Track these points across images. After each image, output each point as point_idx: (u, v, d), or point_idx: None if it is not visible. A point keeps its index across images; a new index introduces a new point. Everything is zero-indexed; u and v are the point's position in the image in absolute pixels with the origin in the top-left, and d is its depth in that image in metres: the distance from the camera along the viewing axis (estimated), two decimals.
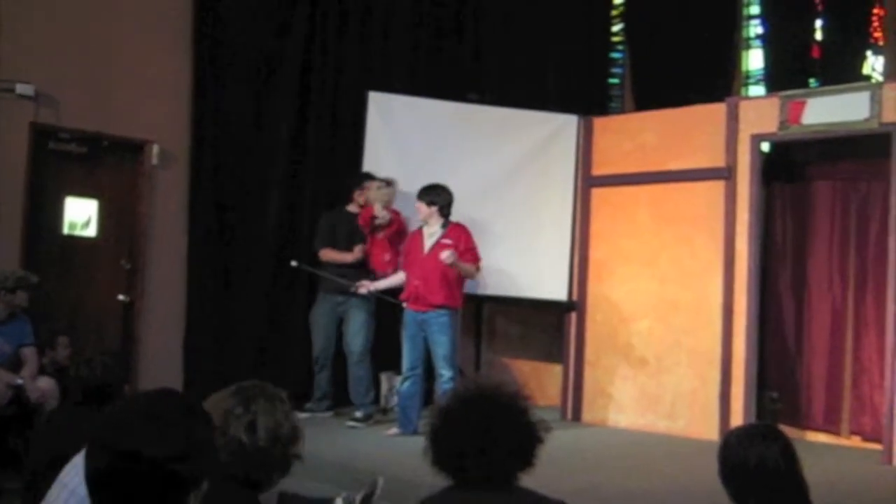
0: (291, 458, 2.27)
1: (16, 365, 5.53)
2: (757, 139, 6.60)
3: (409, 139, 7.38)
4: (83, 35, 6.62)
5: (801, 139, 6.54)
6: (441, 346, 6.25)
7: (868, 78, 8.79)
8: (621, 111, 9.38)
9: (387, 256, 6.79)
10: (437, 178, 6.49)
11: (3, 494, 4.65)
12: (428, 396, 6.59)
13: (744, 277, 6.56)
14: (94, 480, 1.60)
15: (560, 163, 7.48)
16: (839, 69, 8.37)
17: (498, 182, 7.41)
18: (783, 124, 6.46)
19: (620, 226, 7.27)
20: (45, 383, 5.49)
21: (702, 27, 9.00)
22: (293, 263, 6.92)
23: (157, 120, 6.99)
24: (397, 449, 5.97)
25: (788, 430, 4.57)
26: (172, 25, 7.07)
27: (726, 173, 6.66)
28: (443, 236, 6.36)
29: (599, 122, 7.59)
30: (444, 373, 6.25)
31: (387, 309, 6.87)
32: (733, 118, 6.67)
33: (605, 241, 7.36)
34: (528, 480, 2.22)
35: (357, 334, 6.84)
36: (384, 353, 7.24)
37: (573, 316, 7.46)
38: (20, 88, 6.26)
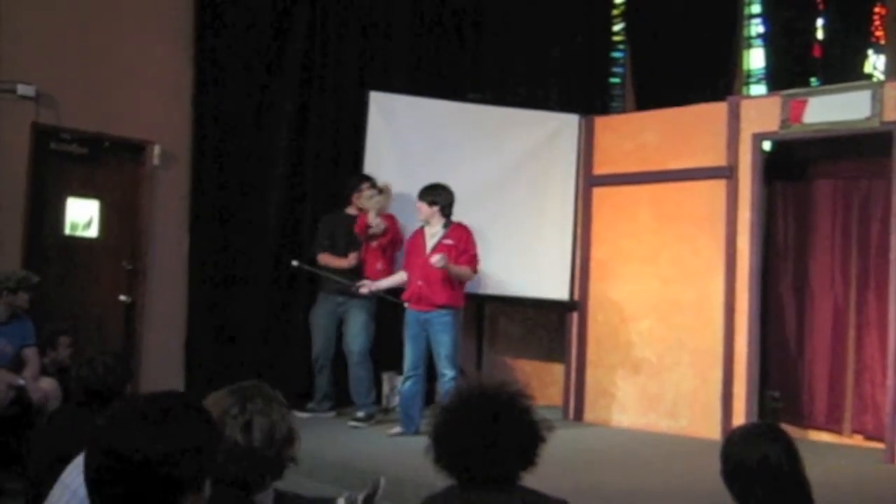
0: (287, 461, 2.26)
1: (17, 366, 5.52)
2: (758, 138, 6.60)
3: (410, 139, 7.38)
4: (84, 36, 6.62)
5: (802, 138, 6.54)
6: (443, 346, 6.25)
7: (869, 77, 8.79)
8: (622, 110, 9.39)
9: (379, 265, 6.78)
10: (438, 178, 6.48)
11: (5, 495, 4.65)
12: (429, 396, 6.59)
13: (745, 276, 6.56)
14: (92, 481, 1.61)
15: (561, 162, 7.48)
16: (840, 68, 8.38)
17: (499, 182, 7.40)
18: (784, 123, 6.45)
19: (622, 225, 7.27)
20: (47, 384, 5.49)
21: (703, 26, 9.00)
22: (294, 263, 6.93)
23: (158, 120, 6.99)
24: (399, 449, 5.97)
25: (790, 430, 4.57)
26: (173, 26, 7.07)
27: (728, 172, 6.66)
28: (444, 236, 6.35)
29: (600, 122, 7.59)
30: (447, 373, 6.24)
31: (388, 309, 6.87)
32: (735, 117, 6.67)
33: (606, 241, 7.36)
34: (530, 479, 2.22)
35: (357, 335, 6.84)
36: (385, 354, 7.24)
37: (575, 315, 7.45)
38: (21, 89, 6.27)
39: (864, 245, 6.56)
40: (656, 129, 7.15)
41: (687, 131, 6.96)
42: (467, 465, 2.16)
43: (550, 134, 7.51)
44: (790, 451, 2.50)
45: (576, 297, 7.43)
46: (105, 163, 6.88)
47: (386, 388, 7.45)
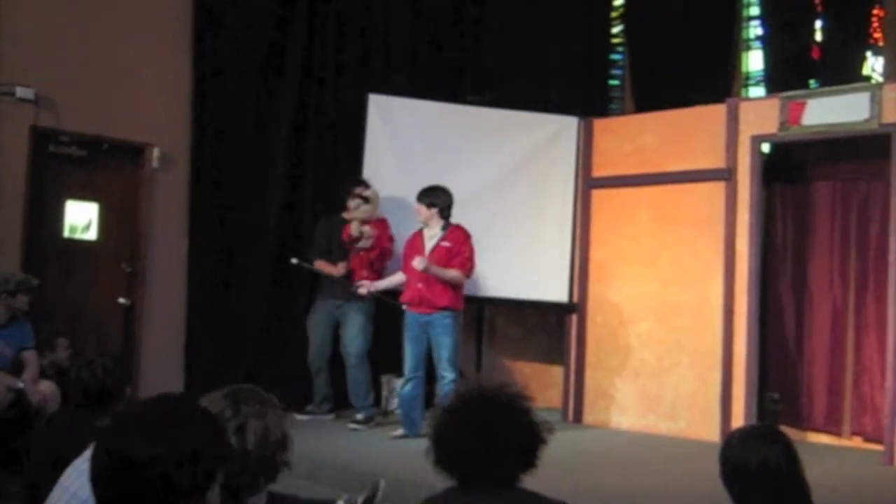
0: (280, 465, 2.25)
1: (16, 368, 5.52)
2: (757, 140, 6.60)
3: (409, 141, 7.39)
4: (83, 38, 6.62)
5: (801, 140, 6.54)
6: (444, 348, 6.25)
7: (868, 79, 8.78)
8: (621, 113, 9.37)
9: (364, 273, 6.79)
10: (437, 180, 6.49)
11: (4, 497, 4.65)
12: (429, 399, 6.59)
13: (744, 278, 6.56)
14: (95, 481, 1.60)
15: (560, 164, 7.48)
16: (839, 70, 8.36)
17: (498, 184, 7.41)
18: (783, 125, 6.46)
19: (621, 227, 7.27)
20: (46, 386, 5.49)
21: (702, 28, 8.99)
22: (293, 260, 6.93)
23: (158, 123, 6.99)
24: (399, 451, 5.97)
25: (789, 431, 4.58)
26: (172, 28, 7.07)
27: (726, 174, 6.66)
28: (442, 238, 6.35)
29: (599, 124, 7.59)
30: (447, 375, 6.24)
31: (386, 312, 6.87)
32: (733, 119, 6.68)
33: (605, 243, 7.36)
34: (530, 481, 2.22)
35: (355, 338, 6.84)
36: (384, 356, 7.24)
37: (574, 317, 7.46)
38: (20, 92, 6.27)
39: (863, 247, 6.56)
40: (655, 132, 7.16)
41: (686, 133, 6.97)
42: (467, 466, 2.16)
43: (549, 136, 7.52)
44: (789, 453, 2.50)
45: (575, 299, 7.43)
46: (104, 165, 6.88)
47: (385, 391, 7.46)
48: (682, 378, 6.85)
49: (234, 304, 7.29)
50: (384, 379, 7.44)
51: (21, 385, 5.36)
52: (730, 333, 6.58)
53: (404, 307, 6.40)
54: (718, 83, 8.71)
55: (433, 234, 6.39)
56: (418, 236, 6.47)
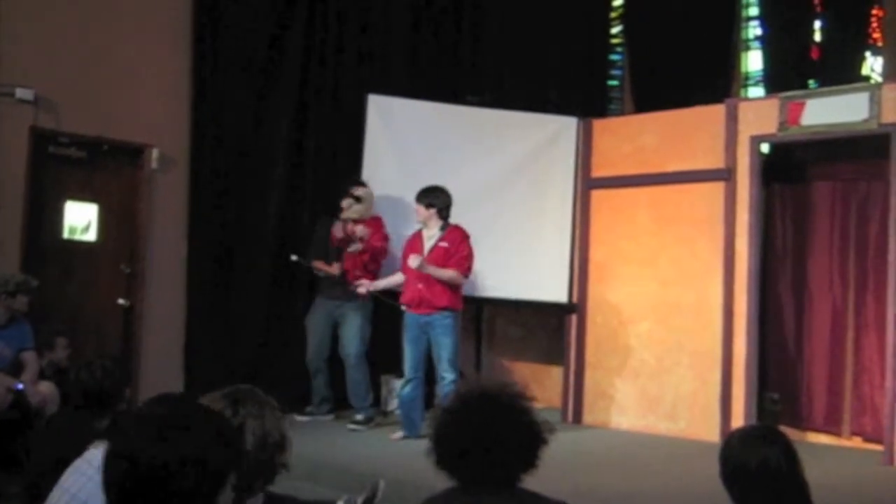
0: (278, 467, 2.25)
1: (16, 369, 5.52)
2: (756, 140, 6.60)
3: (408, 141, 7.39)
4: (82, 39, 6.62)
5: (800, 140, 6.55)
6: (445, 349, 6.25)
7: (867, 79, 8.78)
8: (621, 113, 9.38)
9: (358, 272, 6.80)
10: (436, 181, 6.49)
11: (4, 499, 4.65)
12: (429, 399, 6.59)
13: (744, 278, 6.56)
14: (109, 488, 1.61)
15: (560, 165, 7.49)
16: (838, 70, 8.37)
17: (498, 184, 7.41)
18: (782, 125, 6.46)
19: (620, 227, 7.28)
20: (46, 387, 5.50)
21: (701, 29, 9.00)
22: (293, 257, 6.94)
23: (157, 124, 6.99)
24: (399, 451, 5.98)
25: (789, 432, 4.58)
26: (171, 28, 7.07)
27: (726, 175, 6.66)
28: (440, 239, 6.35)
29: (599, 124, 7.59)
30: (447, 376, 6.24)
31: (386, 312, 6.87)
32: (733, 119, 6.68)
33: (605, 243, 7.36)
34: (529, 481, 2.22)
35: (353, 338, 6.84)
36: (383, 357, 7.24)
37: (573, 318, 7.46)
38: (20, 93, 6.27)
39: (863, 247, 6.57)
40: (655, 132, 7.16)
41: (685, 134, 6.97)
42: (468, 466, 2.16)
43: (549, 136, 7.52)
44: (789, 454, 2.50)
45: (574, 299, 7.43)
46: (103, 166, 6.88)
47: (384, 392, 7.46)
48: (681, 378, 6.85)
49: (234, 304, 7.29)
50: (384, 379, 7.44)
51: (21, 386, 5.36)
52: (729, 333, 6.58)
53: (403, 308, 6.39)
54: (718, 83, 8.71)
55: (432, 235, 6.39)
56: (417, 237, 6.47)
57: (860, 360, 6.55)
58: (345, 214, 6.83)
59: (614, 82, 9.86)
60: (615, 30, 9.89)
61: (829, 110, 6.29)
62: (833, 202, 6.73)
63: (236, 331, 7.25)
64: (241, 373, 6.73)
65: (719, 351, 6.61)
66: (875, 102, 6.08)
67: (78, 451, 2.84)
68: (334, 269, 6.92)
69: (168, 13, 7.07)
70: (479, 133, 7.46)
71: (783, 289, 6.89)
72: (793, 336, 6.85)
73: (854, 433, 6.55)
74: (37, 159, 6.44)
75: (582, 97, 8.83)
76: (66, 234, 6.72)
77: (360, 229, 6.77)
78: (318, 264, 7.00)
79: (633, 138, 7.26)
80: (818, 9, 8.93)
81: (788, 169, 7.03)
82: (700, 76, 8.77)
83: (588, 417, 7.33)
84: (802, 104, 6.40)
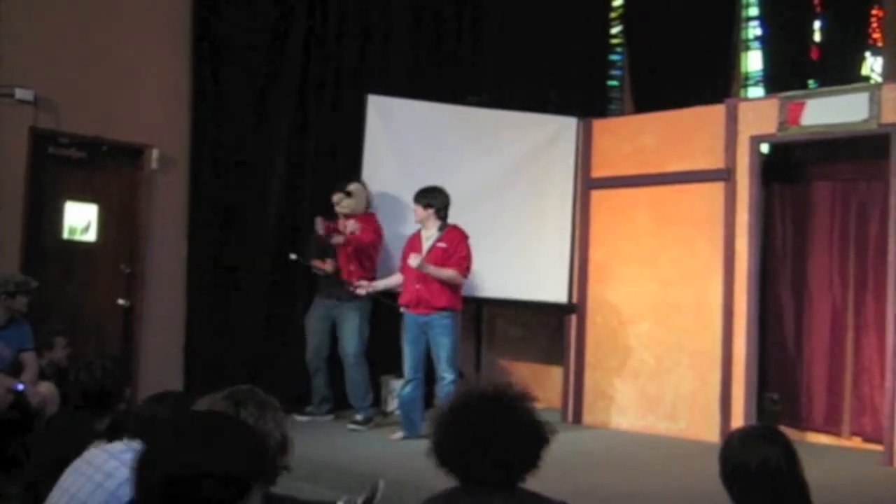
0: (280, 468, 2.25)
1: (16, 370, 5.52)
2: (756, 140, 6.60)
3: (408, 142, 7.39)
4: (82, 40, 6.62)
5: (800, 140, 6.55)
6: (443, 349, 6.25)
7: (867, 79, 8.79)
8: (620, 113, 9.38)
9: (352, 267, 6.81)
10: (436, 181, 6.49)
11: (4, 499, 4.65)
12: (429, 400, 6.59)
13: (744, 279, 6.56)
14: (139, 491, 1.65)
15: (559, 165, 7.49)
16: (838, 70, 8.37)
17: (497, 184, 7.41)
18: (782, 125, 6.46)
19: (620, 228, 7.28)
20: (46, 388, 5.49)
21: (701, 29, 9.00)
22: (292, 256, 6.95)
23: (157, 124, 6.99)
24: (398, 452, 5.98)
25: (789, 432, 4.58)
26: (171, 29, 7.07)
27: (726, 175, 6.66)
28: (438, 239, 6.34)
29: (599, 125, 7.59)
30: (446, 376, 6.24)
31: (385, 312, 6.87)
32: (732, 120, 6.68)
33: (604, 243, 7.36)
34: (529, 481, 2.22)
35: (351, 338, 6.85)
36: (384, 357, 7.24)
37: (573, 318, 7.46)
38: (19, 93, 6.26)
39: (862, 247, 6.57)
40: (654, 132, 7.16)
41: (685, 134, 6.97)
42: (470, 467, 2.16)
43: (549, 137, 7.52)
44: (789, 454, 2.50)
45: (574, 299, 7.43)
46: (103, 167, 6.88)
47: (384, 392, 7.46)
48: (681, 378, 6.85)
49: (234, 305, 7.28)
50: (383, 380, 7.44)
51: (21, 387, 5.36)
52: (729, 334, 6.58)
53: (402, 310, 6.39)
54: (718, 83, 8.72)
55: (430, 235, 6.38)
56: (416, 237, 6.47)
57: (860, 360, 6.55)
58: (337, 210, 6.85)
59: (614, 82, 9.87)
60: (615, 30, 9.90)
61: (829, 110, 6.29)
62: (833, 202, 6.73)
63: (236, 331, 7.25)
64: (240, 373, 6.73)
65: (719, 351, 6.61)
66: (875, 102, 6.09)
67: (78, 451, 2.85)
68: (328, 265, 6.93)
69: (168, 13, 7.07)
70: (479, 133, 7.46)
71: (783, 289, 6.89)
72: (792, 336, 6.86)
73: (854, 433, 6.55)
74: (36, 160, 6.44)
75: (582, 97, 8.83)
76: (65, 235, 6.72)
77: (350, 224, 6.78)
78: (316, 262, 7.01)
79: (633, 138, 7.26)
80: (818, 9, 8.94)
81: (788, 169, 7.03)
82: (700, 76, 8.77)
83: (588, 418, 7.33)
84: (802, 104, 6.41)
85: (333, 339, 7.00)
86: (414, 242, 6.45)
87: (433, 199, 6.37)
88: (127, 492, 2.62)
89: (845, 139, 6.37)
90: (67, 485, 2.73)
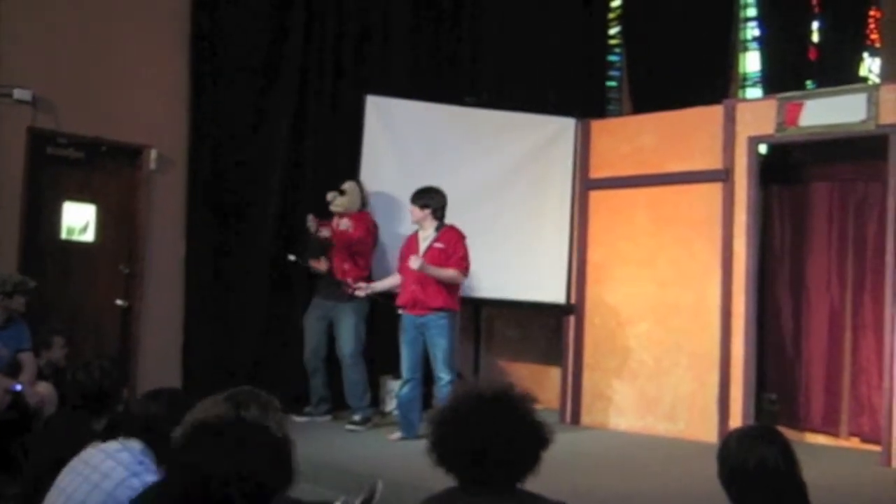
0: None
1: (14, 370, 5.52)
2: (754, 141, 6.61)
3: (407, 142, 7.39)
4: (81, 40, 6.62)
5: (798, 141, 6.55)
6: (440, 350, 6.25)
7: (865, 80, 8.80)
8: (619, 114, 9.40)
9: (346, 266, 6.81)
10: (435, 181, 6.49)
11: (2, 500, 4.64)
12: (427, 400, 6.59)
13: (742, 279, 6.57)
14: (171, 496, 1.67)
15: (558, 166, 7.49)
16: (836, 71, 8.39)
17: (496, 185, 7.41)
18: (780, 126, 6.47)
19: (618, 228, 7.28)
20: (44, 388, 5.49)
21: (699, 29, 9.02)
22: (291, 258, 6.95)
23: (155, 124, 6.98)
24: (397, 452, 5.98)
25: (787, 432, 4.56)
26: (170, 29, 7.07)
27: (724, 175, 6.66)
28: (435, 240, 6.34)
29: (597, 125, 7.60)
30: (443, 376, 6.24)
31: (384, 313, 6.87)
32: (731, 120, 6.68)
33: (603, 244, 7.36)
34: (528, 482, 2.22)
35: (348, 338, 6.84)
36: (382, 358, 7.24)
37: (572, 319, 7.46)
38: (18, 93, 6.26)
39: (861, 247, 6.57)
40: (653, 133, 7.16)
41: (683, 134, 6.97)
42: (469, 468, 2.15)
43: (547, 137, 7.52)
44: (787, 454, 2.51)
45: (573, 300, 7.43)
46: (102, 167, 6.87)
47: (382, 393, 7.46)
48: (680, 379, 6.85)
49: (232, 305, 7.28)
50: (381, 380, 7.44)
51: (19, 387, 5.36)
52: (727, 334, 6.58)
53: (400, 311, 6.39)
54: (716, 84, 8.74)
55: (427, 236, 6.38)
56: (413, 238, 6.47)
57: (858, 360, 6.56)
58: (330, 208, 6.85)
59: (613, 83, 9.88)
60: (613, 31, 9.92)
61: (827, 111, 6.30)
62: (831, 203, 6.74)
63: (235, 331, 7.24)
64: (239, 373, 6.74)
65: (717, 352, 6.61)
66: (873, 103, 6.09)
67: (75, 451, 2.85)
68: (322, 265, 6.94)
69: (167, 14, 7.06)
70: (478, 134, 7.46)
71: (781, 289, 6.90)
72: (791, 337, 6.86)
73: (852, 434, 6.56)
74: (35, 160, 6.43)
75: (580, 98, 8.85)
76: (64, 235, 6.71)
77: (343, 222, 6.79)
78: (312, 262, 7.03)
79: (632, 139, 7.27)
80: (816, 10, 8.95)
81: (786, 170, 7.04)
82: (698, 77, 8.78)
83: (586, 418, 7.33)
84: (800, 105, 6.41)
85: (331, 339, 7.00)
86: (411, 243, 6.45)
87: (430, 199, 6.37)
88: (124, 492, 2.62)
89: (843, 140, 6.37)
90: (64, 485, 2.73)
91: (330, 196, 6.87)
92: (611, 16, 9.92)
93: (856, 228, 6.61)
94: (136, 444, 2.80)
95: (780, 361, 6.87)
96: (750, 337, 6.52)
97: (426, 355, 6.34)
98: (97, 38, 6.69)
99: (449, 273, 6.25)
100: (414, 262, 6.14)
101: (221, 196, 7.24)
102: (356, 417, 6.79)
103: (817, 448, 6.36)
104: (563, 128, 7.53)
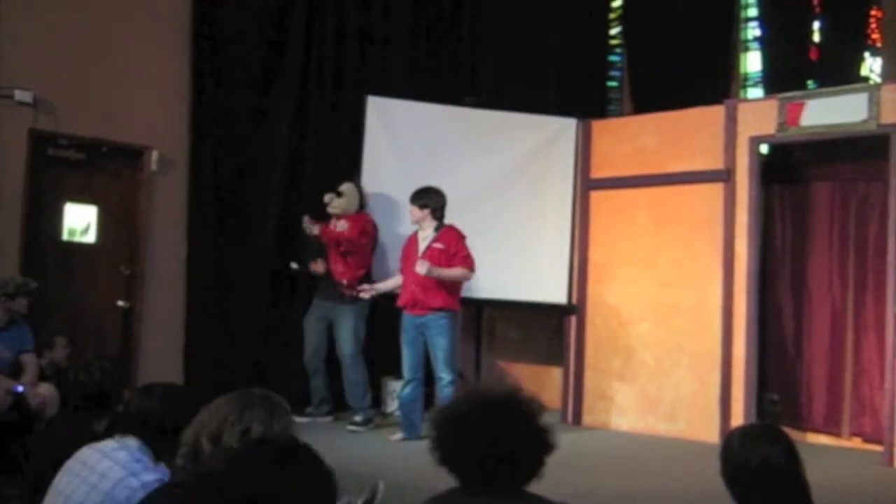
0: None
1: (15, 371, 5.52)
2: (755, 141, 6.60)
3: (408, 143, 7.38)
4: (81, 41, 6.62)
5: (799, 141, 6.55)
6: (440, 350, 6.24)
7: (866, 79, 8.80)
8: (620, 114, 9.39)
9: (340, 267, 6.82)
10: (436, 182, 6.49)
11: (3, 501, 4.64)
12: (429, 401, 6.59)
13: (743, 279, 6.56)
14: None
15: (559, 166, 7.49)
16: (837, 71, 8.39)
17: (497, 185, 7.41)
18: (781, 126, 6.46)
19: (619, 228, 7.27)
20: (46, 390, 5.49)
21: (700, 29, 9.01)
22: (293, 266, 6.95)
23: (156, 125, 6.99)
24: (398, 453, 5.98)
25: (789, 432, 4.56)
26: (171, 30, 7.07)
27: (725, 175, 6.66)
28: (434, 240, 6.33)
29: (598, 125, 7.59)
30: (444, 376, 6.23)
31: (385, 313, 6.86)
32: (732, 120, 6.68)
33: (604, 244, 7.36)
34: (531, 483, 2.22)
35: (347, 339, 6.84)
36: (384, 358, 7.24)
37: (573, 319, 7.45)
38: (19, 95, 6.26)
39: (862, 247, 6.57)
40: (654, 133, 7.16)
41: (684, 134, 6.97)
42: (472, 470, 2.15)
43: (548, 137, 7.52)
44: (791, 453, 2.50)
45: (574, 300, 7.43)
46: (103, 168, 6.88)
47: (384, 393, 7.46)
48: (681, 379, 6.85)
49: (233, 306, 7.28)
50: (383, 381, 7.44)
51: (21, 388, 5.36)
52: (729, 335, 6.58)
53: (404, 311, 6.39)
54: (717, 84, 8.74)
55: (426, 236, 6.38)
56: (413, 238, 6.47)
57: (860, 360, 6.55)
58: (328, 210, 6.86)
59: (613, 83, 9.88)
60: (614, 31, 9.91)
61: (828, 111, 6.29)
62: (832, 203, 6.73)
63: (236, 332, 7.24)
64: (240, 374, 6.75)
65: (719, 352, 6.61)
66: (874, 103, 6.09)
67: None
68: (319, 266, 6.95)
69: (167, 14, 7.07)
70: (479, 134, 7.46)
71: (782, 290, 6.89)
72: (792, 337, 6.85)
73: (854, 434, 6.55)
74: (36, 161, 6.43)
75: (581, 98, 8.84)
76: (65, 236, 6.71)
77: (340, 224, 6.79)
78: (311, 264, 7.03)
79: (633, 139, 7.26)
80: (817, 10, 8.95)
81: (787, 170, 7.04)
82: (699, 77, 8.78)
83: (588, 419, 7.33)
84: (801, 105, 6.41)
85: (331, 340, 7.00)
86: (411, 243, 6.45)
87: (429, 199, 6.37)
88: (122, 491, 2.61)
89: (844, 140, 6.36)
90: (62, 487, 2.73)
91: (327, 198, 6.88)
92: (612, 16, 9.92)
93: (857, 228, 6.60)
94: (132, 442, 2.80)
95: (782, 361, 6.86)
96: (751, 337, 6.52)
97: (427, 356, 6.34)
98: (98, 38, 6.69)
99: (457, 272, 6.26)
100: (421, 268, 6.13)
101: (222, 197, 7.24)
102: (357, 418, 6.79)
103: (819, 448, 6.35)
104: (563, 128, 7.53)
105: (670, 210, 6.99)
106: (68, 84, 6.52)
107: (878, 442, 6.07)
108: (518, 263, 7.35)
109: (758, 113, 6.62)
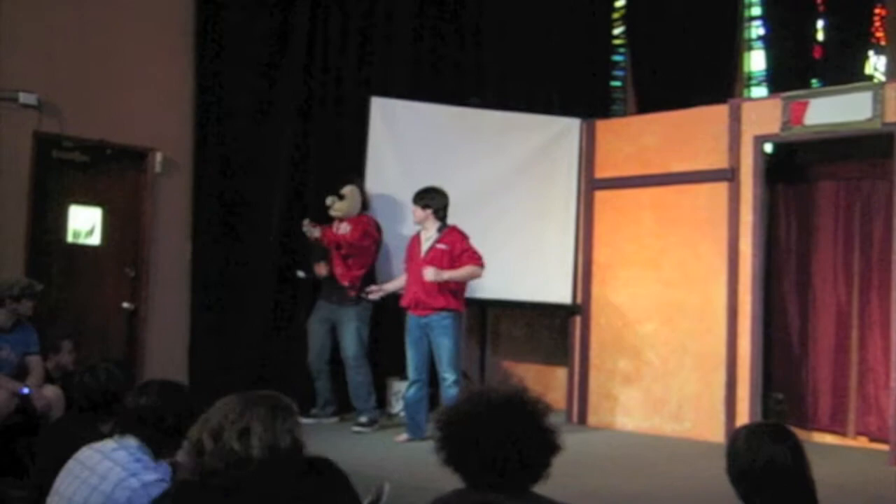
0: None
1: (21, 373, 5.53)
2: (760, 140, 6.60)
3: (411, 144, 7.38)
4: (85, 43, 6.63)
5: (803, 140, 6.54)
6: (444, 350, 6.24)
7: (870, 78, 8.79)
8: (624, 114, 9.38)
9: (339, 270, 6.82)
10: (440, 183, 6.48)
11: (9, 502, 4.65)
12: (434, 401, 6.59)
13: (748, 279, 6.55)
14: None
15: (563, 166, 7.48)
16: (841, 69, 8.38)
17: (501, 186, 7.41)
18: (786, 125, 6.45)
19: (624, 228, 7.27)
20: (51, 392, 5.49)
21: (703, 29, 9.01)
22: (300, 274, 6.97)
23: (161, 127, 6.99)
24: (404, 454, 5.97)
25: (794, 431, 4.56)
26: (175, 32, 7.08)
27: (729, 175, 6.65)
28: (437, 240, 6.33)
29: (602, 125, 7.59)
30: (448, 376, 6.23)
31: (389, 314, 6.86)
32: (736, 120, 6.67)
33: (608, 244, 7.35)
34: (536, 483, 2.22)
35: (350, 341, 6.84)
36: (389, 359, 7.23)
37: (578, 319, 7.45)
38: (23, 97, 6.27)
39: (867, 246, 6.56)
40: (657, 133, 7.15)
41: (688, 134, 6.96)
42: (477, 471, 2.15)
43: (552, 138, 7.52)
44: (797, 452, 2.49)
45: (578, 300, 7.42)
46: (107, 170, 6.88)
47: (389, 394, 7.45)
48: (686, 379, 6.84)
49: (238, 308, 7.28)
50: (388, 382, 7.44)
51: (26, 390, 5.36)
52: (734, 334, 6.57)
53: (408, 312, 6.39)
54: (721, 84, 8.73)
55: (429, 236, 6.37)
56: (416, 239, 6.46)
57: (865, 359, 6.54)
58: (330, 213, 6.86)
59: (617, 83, 9.86)
60: (618, 31, 9.90)
61: (833, 110, 6.28)
62: (837, 202, 6.73)
63: (240, 334, 7.25)
64: (245, 375, 6.75)
65: (724, 352, 6.60)
66: (878, 101, 6.08)
67: None
68: (321, 269, 6.95)
69: (171, 16, 7.07)
70: (482, 135, 7.46)
71: (787, 289, 6.88)
72: (797, 336, 6.85)
73: (859, 433, 6.54)
74: (40, 164, 6.44)
75: (585, 98, 8.84)
76: (70, 238, 6.72)
77: (343, 227, 6.79)
78: (315, 268, 7.04)
79: (636, 139, 7.26)
80: (821, 8, 8.94)
81: (792, 169, 7.03)
82: (703, 76, 8.78)
83: (593, 419, 7.33)
84: (805, 104, 6.40)
85: (335, 341, 7.00)
86: (414, 244, 6.45)
87: (431, 199, 6.36)
88: (123, 492, 2.61)
89: (849, 138, 6.36)
90: (63, 488, 2.73)
91: (329, 201, 6.87)
92: (615, 15, 9.91)
93: (862, 227, 6.59)
94: (132, 441, 2.79)
95: (787, 361, 6.85)
96: (756, 336, 6.51)
97: (432, 356, 6.34)
98: (102, 41, 6.70)
99: (465, 271, 6.25)
100: (428, 275, 6.12)
101: (226, 198, 7.24)
102: (362, 419, 6.79)
103: (825, 447, 6.34)
104: (567, 128, 7.52)
105: (675, 210, 6.99)
106: (72, 86, 6.53)
107: (884, 441, 6.07)
108: (522, 264, 7.34)
109: (762, 112, 6.61)
